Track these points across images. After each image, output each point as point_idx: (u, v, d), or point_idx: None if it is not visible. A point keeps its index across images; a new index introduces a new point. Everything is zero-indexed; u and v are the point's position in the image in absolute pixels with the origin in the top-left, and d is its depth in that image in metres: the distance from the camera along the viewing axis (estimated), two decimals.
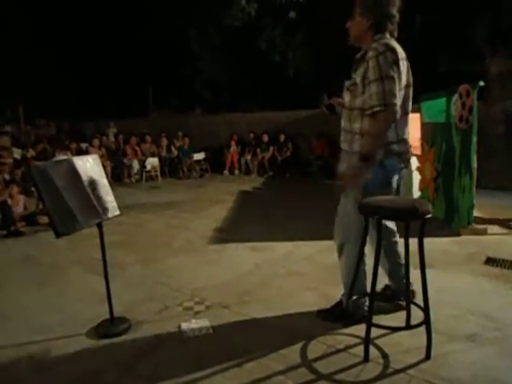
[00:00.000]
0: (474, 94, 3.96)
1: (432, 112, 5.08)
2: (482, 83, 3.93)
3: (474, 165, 4.02)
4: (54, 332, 2.49)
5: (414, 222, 2.05)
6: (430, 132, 5.19)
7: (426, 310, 2.08)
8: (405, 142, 2.33)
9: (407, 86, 2.28)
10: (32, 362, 2.22)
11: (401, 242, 2.46)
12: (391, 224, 2.54)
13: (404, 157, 2.33)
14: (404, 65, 2.22)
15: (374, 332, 2.21)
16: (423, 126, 5.38)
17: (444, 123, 4.68)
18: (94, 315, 2.62)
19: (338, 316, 2.49)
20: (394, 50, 2.15)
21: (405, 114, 2.30)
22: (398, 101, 2.15)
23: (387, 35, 2.25)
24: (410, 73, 2.33)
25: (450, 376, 1.95)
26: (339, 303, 2.57)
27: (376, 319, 2.46)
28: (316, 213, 5.58)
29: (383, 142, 2.18)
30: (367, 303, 2.45)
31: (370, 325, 2.10)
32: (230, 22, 9.65)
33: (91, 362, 2.20)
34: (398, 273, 2.56)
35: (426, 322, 2.08)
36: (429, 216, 2.02)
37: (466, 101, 4.09)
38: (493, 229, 4.24)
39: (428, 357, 2.08)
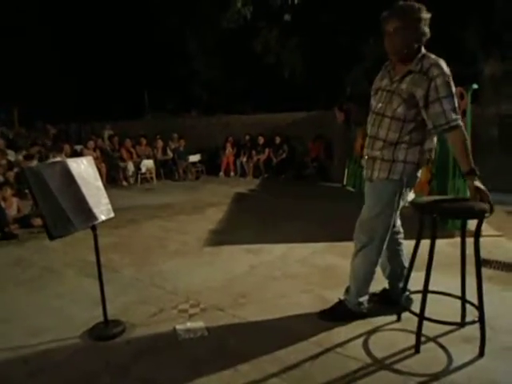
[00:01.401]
0: (468, 97, 3.99)
1: None
2: (475, 86, 3.97)
3: None
4: (48, 335, 2.47)
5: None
6: None
7: (480, 308, 2.13)
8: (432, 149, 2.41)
9: None
10: (26, 365, 2.20)
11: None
12: (398, 225, 2.57)
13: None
14: None
15: (363, 330, 2.22)
16: None
17: None
18: (89, 318, 2.60)
19: (340, 316, 2.51)
20: (447, 66, 2.20)
21: None
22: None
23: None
24: None
25: (445, 378, 1.96)
26: (339, 303, 2.58)
27: (374, 319, 2.48)
28: (311, 215, 5.59)
29: (468, 153, 2.19)
30: (366, 302, 2.48)
31: (422, 318, 2.14)
32: (225, 25, 9.65)
33: (85, 365, 2.19)
34: (398, 276, 2.58)
35: (480, 319, 2.12)
36: (487, 215, 2.06)
37: (460, 103, 4.11)
38: (487, 231, 4.27)
39: (482, 354, 2.12)
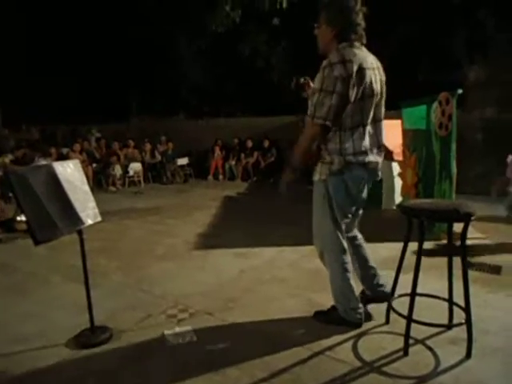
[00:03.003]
0: (453, 102, 4.06)
1: (413, 119, 5.18)
2: (460, 91, 4.03)
3: (454, 170, 4.11)
4: (33, 342, 2.42)
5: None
6: (410, 138, 5.28)
7: (467, 310, 2.15)
8: (365, 153, 2.25)
9: (370, 96, 2.20)
10: (4, 374, 2.13)
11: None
12: (355, 230, 2.58)
13: (367, 167, 2.28)
14: (366, 74, 2.14)
15: (352, 333, 2.22)
16: (404, 132, 5.48)
17: (424, 130, 4.77)
18: (75, 324, 2.55)
19: (334, 320, 2.49)
20: (345, 63, 2.08)
21: (361, 126, 2.23)
22: (330, 115, 2.12)
23: (355, 44, 2.19)
24: (379, 82, 2.27)
25: (433, 379, 1.97)
26: (333, 308, 2.55)
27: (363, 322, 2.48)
28: (299, 218, 5.57)
29: (304, 151, 2.29)
30: (360, 310, 2.45)
31: (410, 321, 2.15)
32: (214, 28, 9.67)
33: (71, 372, 2.14)
34: (368, 275, 2.59)
35: (467, 321, 2.14)
36: (473, 218, 2.07)
37: (446, 108, 4.18)
38: (473, 234, 4.33)
39: (469, 355, 2.12)
